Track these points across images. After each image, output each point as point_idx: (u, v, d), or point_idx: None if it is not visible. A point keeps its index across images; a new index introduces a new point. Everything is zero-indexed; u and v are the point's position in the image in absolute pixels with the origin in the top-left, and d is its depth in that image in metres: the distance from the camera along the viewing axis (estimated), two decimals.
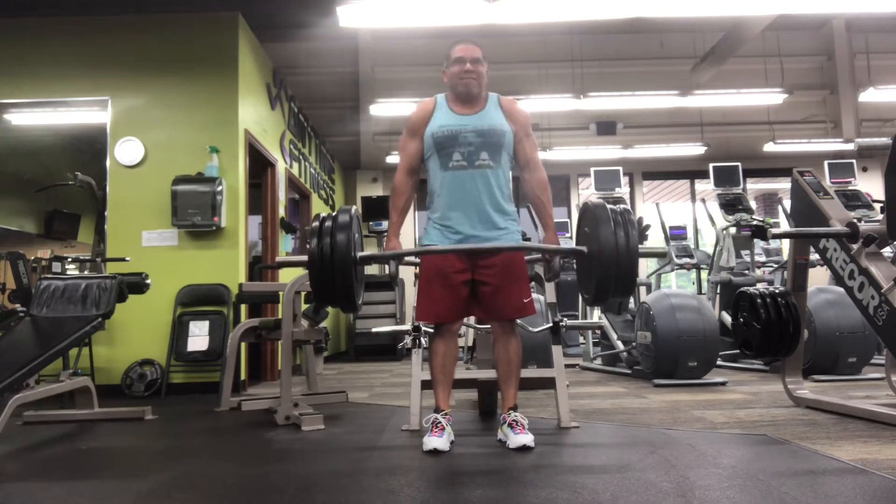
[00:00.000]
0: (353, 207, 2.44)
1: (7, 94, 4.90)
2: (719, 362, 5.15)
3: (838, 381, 4.29)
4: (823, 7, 5.61)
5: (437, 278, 2.53)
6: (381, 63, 9.12)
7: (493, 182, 2.52)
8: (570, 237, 7.98)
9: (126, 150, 4.75)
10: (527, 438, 2.38)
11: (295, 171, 6.39)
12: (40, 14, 5.06)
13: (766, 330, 3.13)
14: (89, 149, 5.37)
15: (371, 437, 2.70)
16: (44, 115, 5.22)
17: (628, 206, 2.47)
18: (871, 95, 8.08)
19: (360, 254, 2.36)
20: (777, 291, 3.21)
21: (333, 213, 2.35)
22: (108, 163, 4.76)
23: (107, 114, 4.81)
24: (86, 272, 4.82)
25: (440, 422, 2.44)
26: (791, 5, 5.57)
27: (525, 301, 2.56)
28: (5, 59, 4.89)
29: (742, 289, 3.36)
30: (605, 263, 2.29)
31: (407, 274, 8.15)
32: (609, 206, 2.39)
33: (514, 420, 2.47)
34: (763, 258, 7.33)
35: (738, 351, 5.26)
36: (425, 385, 2.78)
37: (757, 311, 3.15)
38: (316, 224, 2.32)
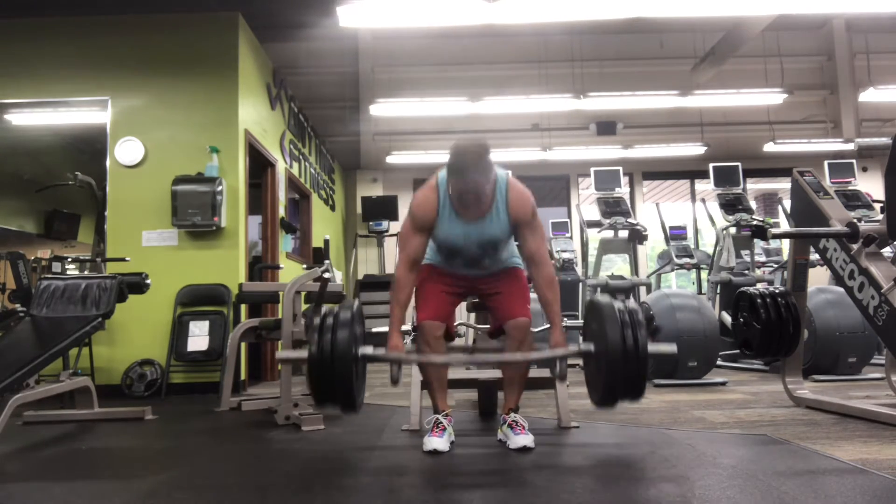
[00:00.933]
0: (356, 302, 2.43)
1: (7, 94, 4.89)
2: (719, 362, 5.15)
3: (838, 381, 4.29)
4: (823, 7, 5.60)
5: (430, 286, 2.58)
6: (381, 63, 9.12)
7: (492, 266, 2.60)
8: (570, 237, 7.98)
9: (126, 150, 4.75)
10: (527, 439, 2.38)
11: (295, 171, 6.39)
12: (40, 14, 5.05)
13: (766, 330, 3.13)
14: (89, 149, 5.37)
15: (371, 437, 2.70)
16: (44, 115, 5.22)
17: (636, 306, 2.37)
18: (871, 95, 8.08)
19: (362, 351, 2.32)
20: (777, 291, 3.21)
21: (335, 310, 2.32)
22: (108, 163, 4.76)
23: (107, 114, 4.80)
24: (86, 272, 4.82)
25: (441, 422, 2.44)
26: (791, 5, 5.57)
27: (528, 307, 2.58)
28: (5, 60, 4.89)
29: (742, 289, 3.36)
30: (613, 365, 2.22)
31: None
32: (616, 305, 2.33)
33: (514, 420, 2.47)
34: (763, 258, 7.33)
35: (738, 351, 5.27)
36: (425, 385, 2.78)
37: (757, 311, 3.15)
38: (318, 320, 2.29)
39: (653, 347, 2.27)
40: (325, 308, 2.39)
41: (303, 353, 2.29)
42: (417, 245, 2.48)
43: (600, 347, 2.29)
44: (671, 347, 2.35)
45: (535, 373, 3.06)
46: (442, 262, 2.62)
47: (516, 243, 2.65)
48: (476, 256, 2.54)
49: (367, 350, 2.34)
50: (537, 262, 2.48)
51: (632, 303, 2.40)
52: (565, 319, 3.08)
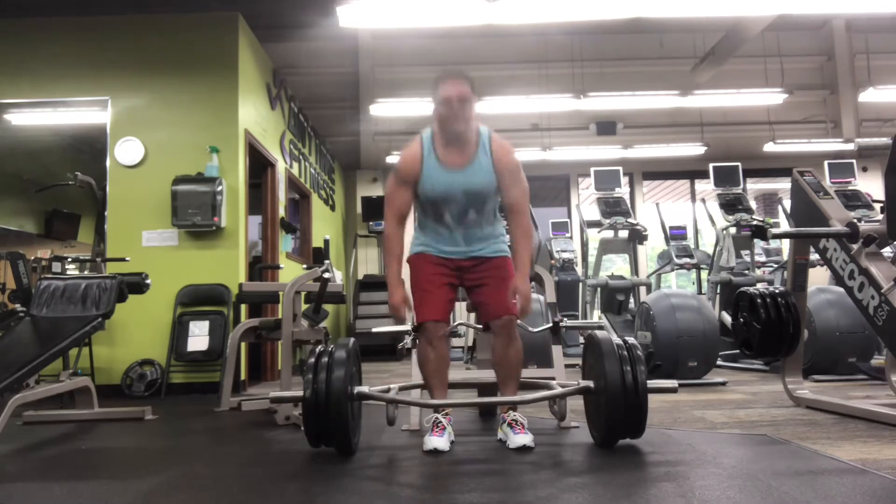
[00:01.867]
0: (352, 340, 2.43)
1: (7, 94, 4.90)
2: (719, 362, 5.16)
3: (838, 381, 4.29)
4: (823, 7, 5.60)
5: (424, 281, 2.57)
6: (381, 63, 9.11)
7: (478, 232, 2.58)
8: (570, 237, 7.98)
9: (126, 150, 4.75)
10: (526, 438, 2.38)
11: (295, 171, 6.39)
12: (40, 14, 5.05)
13: (766, 330, 3.13)
14: (89, 149, 5.37)
15: (371, 437, 2.70)
16: (44, 115, 5.23)
17: (635, 341, 2.39)
18: (871, 95, 8.08)
19: (358, 389, 2.33)
20: (777, 291, 3.21)
21: (331, 349, 2.33)
22: (108, 163, 4.76)
23: (107, 114, 4.81)
24: (86, 272, 4.82)
25: (441, 421, 2.44)
26: (791, 5, 5.57)
27: (513, 302, 2.51)
28: (6, 60, 4.89)
29: (742, 289, 3.36)
30: (614, 402, 2.23)
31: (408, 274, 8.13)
32: (615, 340, 2.34)
33: (513, 420, 2.47)
34: (763, 258, 7.33)
35: (738, 351, 5.27)
36: (425, 385, 2.78)
37: (757, 311, 3.15)
38: (312, 359, 2.29)
39: (653, 384, 2.30)
40: (318, 348, 2.39)
41: (297, 394, 2.30)
42: (403, 200, 2.54)
43: (599, 385, 2.31)
44: (672, 384, 2.36)
45: (535, 373, 3.06)
46: (430, 241, 2.58)
47: (503, 216, 2.64)
48: (463, 210, 2.52)
49: (363, 389, 2.35)
50: (517, 211, 2.53)
51: (630, 339, 2.41)
52: (565, 319, 3.09)
